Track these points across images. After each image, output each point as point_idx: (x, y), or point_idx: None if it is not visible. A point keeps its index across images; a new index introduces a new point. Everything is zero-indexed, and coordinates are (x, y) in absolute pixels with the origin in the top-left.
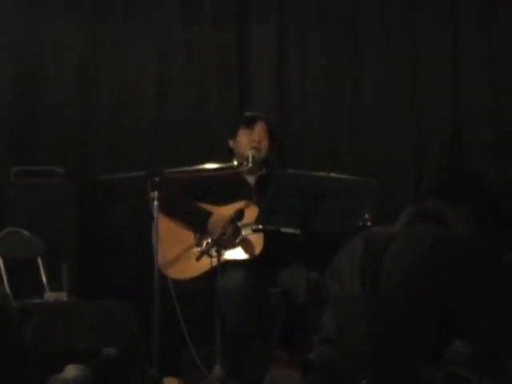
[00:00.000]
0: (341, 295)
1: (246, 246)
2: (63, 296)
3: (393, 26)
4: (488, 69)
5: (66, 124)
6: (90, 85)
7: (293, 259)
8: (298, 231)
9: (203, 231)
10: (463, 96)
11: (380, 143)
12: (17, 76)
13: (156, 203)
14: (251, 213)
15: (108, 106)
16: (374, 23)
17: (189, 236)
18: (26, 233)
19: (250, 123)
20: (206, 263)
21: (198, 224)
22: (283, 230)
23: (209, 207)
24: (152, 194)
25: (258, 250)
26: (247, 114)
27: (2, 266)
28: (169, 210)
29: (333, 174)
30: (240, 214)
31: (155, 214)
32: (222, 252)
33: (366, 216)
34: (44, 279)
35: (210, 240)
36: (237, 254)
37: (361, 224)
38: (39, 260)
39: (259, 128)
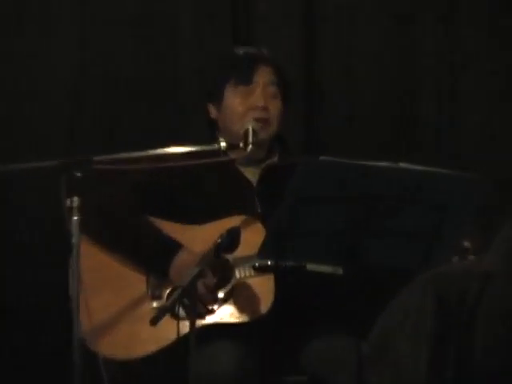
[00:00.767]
0: None
1: (243, 299)
2: None
3: None
4: None
5: None
6: None
7: (328, 322)
8: (338, 270)
9: (164, 275)
10: None
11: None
12: None
13: (76, 218)
14: (253, 236)
15: None
16: None
17: (137, 280)
18: None
19: (245, 72)
20: (168, 331)
21: (155, 263)
22: (311, 268)
23: (175, 228)
24: (69, 202)
25: (265, 305)
26: (239, 51)
27: None
28: (101, 232)
29: (404, 165)
30: (232, 240)
31: (75, 237)
32: (200, 311)
33: (466, 244)
34: None
35: (174, 288)
36: (227, 313)
37: (457, 257)
38: None
39: (263, 78)
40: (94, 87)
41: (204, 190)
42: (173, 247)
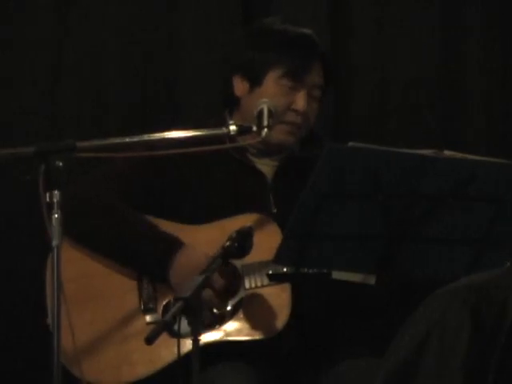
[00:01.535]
0: None
1: (255, 312)
2: None
3: None
4: None
5: None
6: None
7: (355, 342)
8: (370, 280)
9: (163, 280)
10: None
11: None
12: None
13: (56, 216)
14: (267, 239)
15: None
16: None
17: (127, 289)
18: None
19: (298, 68)
20: (165, 351)
21: (152, 265)
22: (336, 276)
23: (172, 227)
24: (47, 197)
25: (280, 321)
26: (295, 32)
27: None
28: (79, 231)
29: (449, 153)
30: (243, 243)
31: (55, 239)
32: (204, 326)
33: None
34: None
35: (173, 300)
36: (235, 330)
37: (509, 264)
38: None
39: (312, 79)
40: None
41: (208, 184)
42: (174, 245)
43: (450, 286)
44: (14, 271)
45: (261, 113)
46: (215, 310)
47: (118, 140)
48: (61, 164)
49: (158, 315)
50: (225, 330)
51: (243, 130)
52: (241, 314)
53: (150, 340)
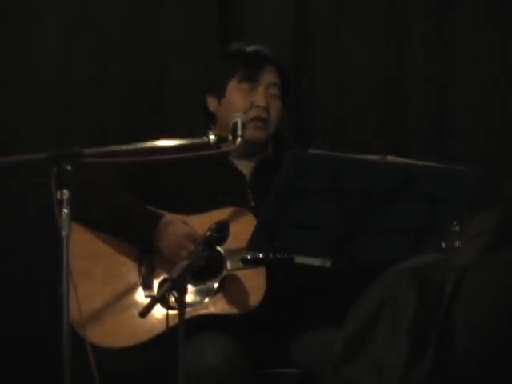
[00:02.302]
0: None
1: (234, 291)
2: None
3: None
4: None
5: None
6: None
7: (317, 315)
8: (327, 263)
9: (152, 245)
10: None
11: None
12: None
13: (66, 211)
14: (245, 229)
15: None
16: None
17: (129, 268)
18: None
19: (250, 70)
20: (157, 321)
21: (142, 229)
22: (299, 261)
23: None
24: (59, 195)
25: (255, 298)
26: (247, 48)
27: None
28: (84, 209)
29: (393, 158)
30: (220, 232)
31: (64, 229)
32: (189, 302)
33: (455, 229)
34: None
35: (165, 279)
36: (217, 305)
37: (444, 245)
38: None
39: (267, 78)
40: (81, 82)
41: (195, 182)
42: (155, 213)
43: (399, 267)
44: (34, 253)
45: (235, 125)
46: (203, 286)
47: (118, 147)
48: (69, 167)
49: (154, 291)
50: (208, 305)
51: (221, 140)
52: (222, 292)
53: (143, 314)
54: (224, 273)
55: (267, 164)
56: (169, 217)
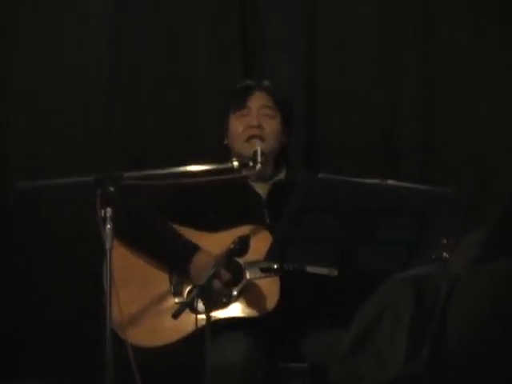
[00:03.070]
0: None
1: (253, 297)
2: None
3: None
4: None
5: None
6: None
7: (326, 317)
8: (333, 272)
9: (184, 272)
10: None
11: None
12: None
13: (109, 227)
14: (261, 243)
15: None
16: None
17: (161, 278)
18: None
19: (240, 99)
20: (187, 323)
21: (176, 261)
22: (310, 270)
23: (194, 234)
24: (103, 213)
25: (271, 303)
26: (236, 86)
27: None
28: (130, 237)
29: (392, 182)
30: (242, 246)
31: (108, 243)
32: (214, 306)
33: (443, 241)
34: None
35: (194, 287)
36: (237, 309)
37: (434, 256)
38: None
39: (257, 102)
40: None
41: (219, 203)
42: (193, 248)
43: (400, 276)
44: (81, 264)
45: (255, 153)
46: (224, 298)
47: (154, 171)
48: (112, 189)
49: (183, 297)
50: (230, 310)
51: (243, 165)
52: (242, 298)
53: (175, 316)
54: (244, 281)
55: (280, 186)
56: (199, 254)
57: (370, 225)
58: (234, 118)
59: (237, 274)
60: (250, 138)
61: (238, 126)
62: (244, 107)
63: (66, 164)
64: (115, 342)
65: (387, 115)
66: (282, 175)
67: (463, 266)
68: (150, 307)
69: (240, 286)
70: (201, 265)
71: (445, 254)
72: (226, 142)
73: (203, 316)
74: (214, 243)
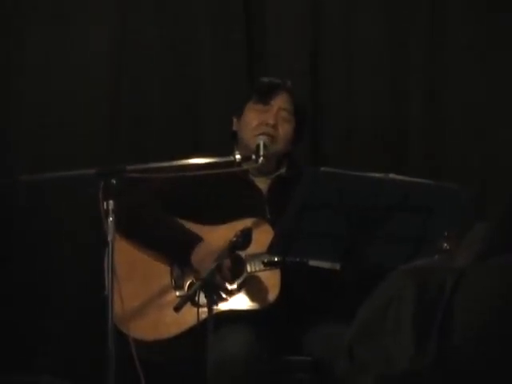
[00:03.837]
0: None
1: (254, 289)
2: None
3: None
4: None
5: None
6: None
7: (328, 311)
8: (336, 266)
9: (186, 264)
10: None
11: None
12: None
13: (111, 219)
14: (263, 236)
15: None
16: None
17: (163, 272)
18: None
19: (264, 94)
20: (189, 316)
21: (178, 253)
22: (313, 264)
23: (195, 227)
24: (105, 205)
25: (272, 296)
26: (264, 79)
27: None
28: (132, 230)
29: (394, 176)
30: (244, 239)
31: (110, 235)
32: (216, 299)
33: (444, 246)
34: None
35: (195, 280)
36: (239, 302)
37: (435, 250)
38: None
39: (279, 102)
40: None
41: (221, 196)
42: (194, 239)
43: (404, 268)
44: (82, 256)
45: (258, 146)
46: (228, 285)
47: (156, 164)
48: (114, 181)
49: (184, 291)
50: (232, 302)
51: (245, 158)
52: (244, 291)
53: (177, 309)
54: (245, 274)
55: (281, 181)
56: (202, 244)
57: (374, 220)
58: (252, 109)
59: (238, 266)
60: (261, 134)
61: (253, 118)
62: (266, 103)
63: (69, 163)
64: (117, 336)
65: (393, 114)
66: (283, 170)
67: (468, 261)
68: (152, 301)
69: (241, 278)
70: (203, 255)
71: (445, 245)
72: (235, 128)
73: (205, 309)
74: (215, 236)
